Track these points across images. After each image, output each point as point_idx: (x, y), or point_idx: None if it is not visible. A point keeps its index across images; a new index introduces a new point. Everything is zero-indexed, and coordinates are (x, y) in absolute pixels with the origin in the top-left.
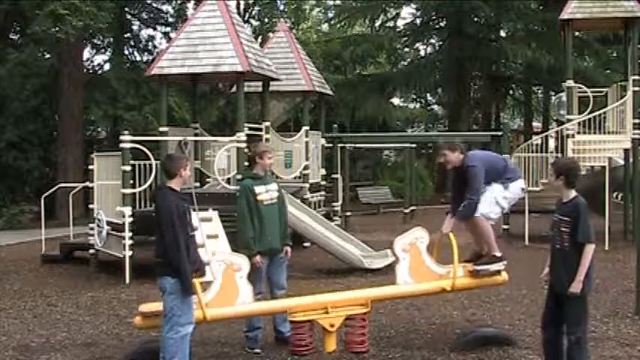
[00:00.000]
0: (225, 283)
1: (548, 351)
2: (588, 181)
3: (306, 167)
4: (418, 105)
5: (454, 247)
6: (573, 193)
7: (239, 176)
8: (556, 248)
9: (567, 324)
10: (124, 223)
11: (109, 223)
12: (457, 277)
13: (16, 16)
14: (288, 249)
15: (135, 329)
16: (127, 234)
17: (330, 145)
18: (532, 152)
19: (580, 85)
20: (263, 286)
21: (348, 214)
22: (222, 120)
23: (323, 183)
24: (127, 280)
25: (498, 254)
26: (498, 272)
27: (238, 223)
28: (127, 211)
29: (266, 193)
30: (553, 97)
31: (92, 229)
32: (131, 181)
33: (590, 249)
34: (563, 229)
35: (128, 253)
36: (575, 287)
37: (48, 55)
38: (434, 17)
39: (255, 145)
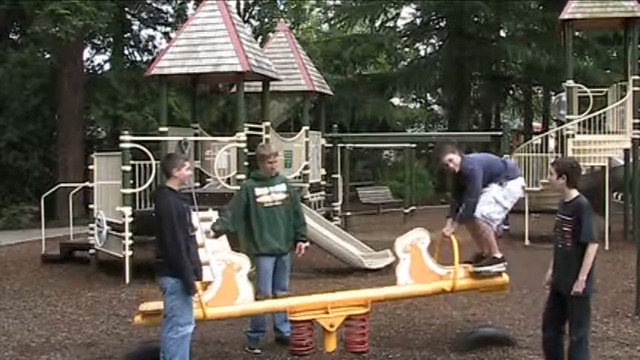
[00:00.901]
0: (226, 283)
1: (548, 351)
2: (588, 181)
3: (306, 167)
4: (418, 105)
5: (455, 248)
6: (575, 193)
7: (242, 176)
8: (559, 248)
9: (570, 324)
10: (124, 223)
11: (109, 223)
12: (457, 278)
13: (16, 16)
14: (302, 245)
15: (135, 329)
16: (127, 234)
17: (330, 145)
18: (532, 152)
19: (580, 85)
20: (269, 288)
21: (348, 214)
22: (222, 120)
23: (323, 183)
24: (127, 280)
25: (499, 255)
26: (499, 274)
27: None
28: (127, 211)
29: (268, 195)
30: (553, 97)
31: (92, 229)
32: (131, 181)
33: (592, 249)
34: (565, 228)
35: (128, 253)
36: (578, 287)
37: (48, 55)
38: (434, 17)
39: (258, 147)
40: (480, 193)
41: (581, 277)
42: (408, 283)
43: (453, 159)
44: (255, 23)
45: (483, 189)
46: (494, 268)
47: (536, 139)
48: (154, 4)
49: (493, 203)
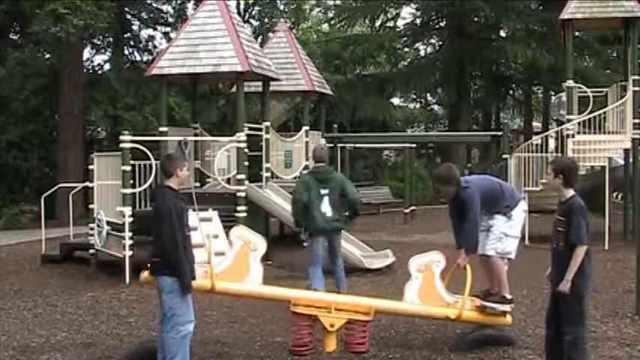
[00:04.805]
0: (238, 260)
1: (549, 348)
2: (588, 181)
3: (306, 167)
4: (418, 105)
5: (468, 279)
6: (571, 193)
7: (242, 175)
8: (553, 248)
9: (563, 323)
10: (124, 223)
11: (109, 223)
12: (464, 309)
13: (16, 16)
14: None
15: (135, 329)
16: (127, 234)
17: (330, 145)
18: (532, 152)
19: (580, 85)
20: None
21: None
22: (222, 120)
23: None
24: (127, 280)
25: (509, 297)
26: (504, 314)
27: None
28: (127, 211)
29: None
30: (553, 97)
31: (92, 229)
32: (131, 181)
33: (580, 250)
34: (559, 229)
35: (128, 253)
36: (563, 286)
37: (48, 55)
38: (434, 17)
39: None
40: (478, 219)
41: (567, 277)
42: (415, 302)
43: (448, 188)
44: (255, 23)
45: (489, 221)
46: (501, 307)
47: (536, 139)
48: (154, 4)
49: (504, 238)
